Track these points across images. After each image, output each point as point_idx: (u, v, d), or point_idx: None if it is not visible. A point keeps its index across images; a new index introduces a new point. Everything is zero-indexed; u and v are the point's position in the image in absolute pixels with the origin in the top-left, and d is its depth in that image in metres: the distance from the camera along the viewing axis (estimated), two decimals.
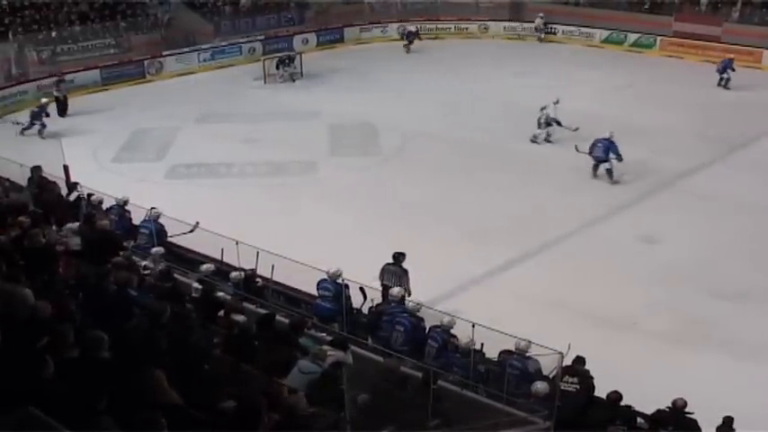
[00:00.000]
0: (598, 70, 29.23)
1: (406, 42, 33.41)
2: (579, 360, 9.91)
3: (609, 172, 18.90)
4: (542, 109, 21.64)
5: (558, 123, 21.45)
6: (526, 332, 9.96)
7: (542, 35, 35.04)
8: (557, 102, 21.59)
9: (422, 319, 10.83)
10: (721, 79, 27.20)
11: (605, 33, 34.57)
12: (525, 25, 35.90)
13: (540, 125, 21.61)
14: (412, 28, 33.96)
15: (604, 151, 18.86)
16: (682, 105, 24.10)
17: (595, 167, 19.10)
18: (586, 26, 35.04)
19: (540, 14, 35.03)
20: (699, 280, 14.21)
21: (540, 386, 9.26)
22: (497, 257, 14.96)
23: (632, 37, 33.98)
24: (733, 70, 27.22)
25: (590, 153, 19.12)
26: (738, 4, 33.30)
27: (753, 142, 21.68)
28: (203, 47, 31.48)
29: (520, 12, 37.00)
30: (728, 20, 33.33)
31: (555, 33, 35.55)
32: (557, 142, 21.31)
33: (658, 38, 33.55)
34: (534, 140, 21.64)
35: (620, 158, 18.79)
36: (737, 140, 21.67)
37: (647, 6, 35.32)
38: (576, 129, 20.85)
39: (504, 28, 36.36)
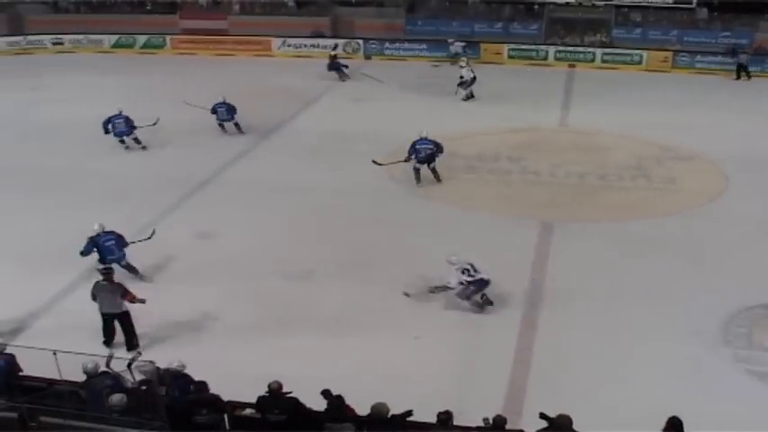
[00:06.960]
0: (109, 76, 28.57)
1: None
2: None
3: None
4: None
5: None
6: None
7: None
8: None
9: None
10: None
11: (114, 38, 33.77)
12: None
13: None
14: None
15: None
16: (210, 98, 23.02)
17: None
18: (94, 33, 33.87)
19: None
20: (267, 265, 14.43)
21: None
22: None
23: (141, 39, 33.71)
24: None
25: None
26: None
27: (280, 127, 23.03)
28: None
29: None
30: (232, 12, 34.95)
31: (62, 44, 33.70)
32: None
33: (168, 37, 33.77)
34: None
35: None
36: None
37: (149, 7, 35.47)
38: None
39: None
